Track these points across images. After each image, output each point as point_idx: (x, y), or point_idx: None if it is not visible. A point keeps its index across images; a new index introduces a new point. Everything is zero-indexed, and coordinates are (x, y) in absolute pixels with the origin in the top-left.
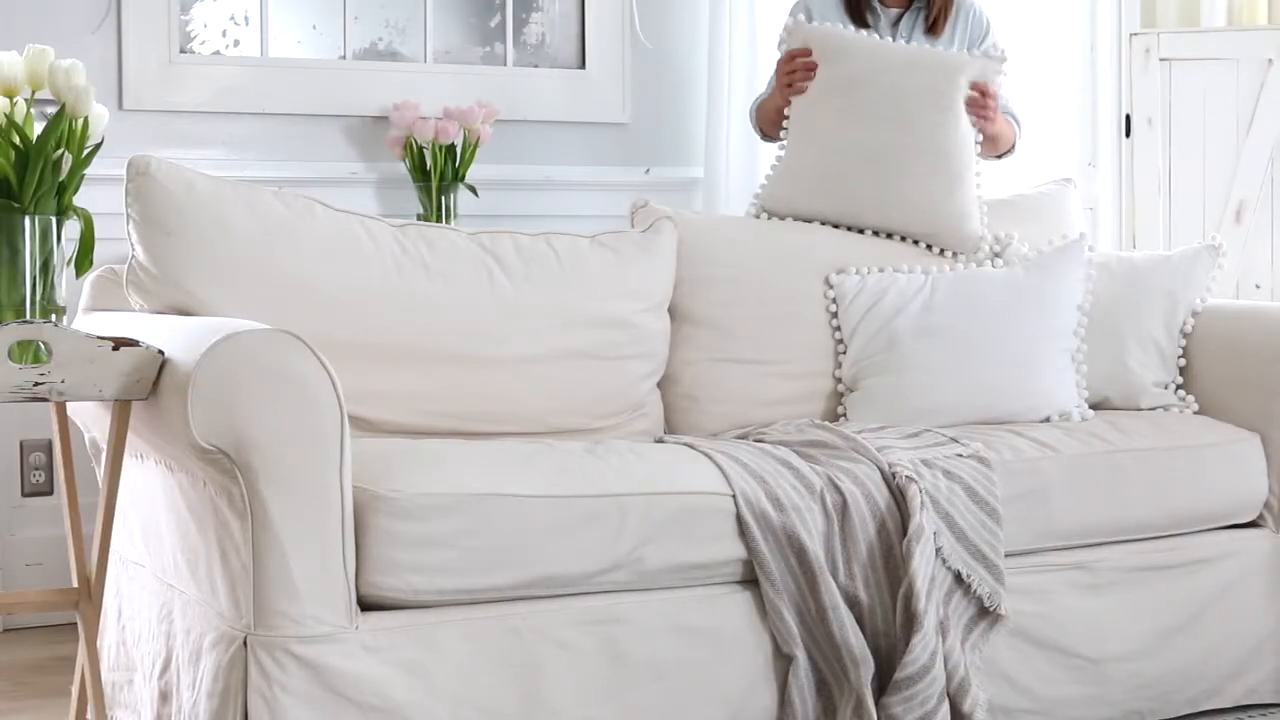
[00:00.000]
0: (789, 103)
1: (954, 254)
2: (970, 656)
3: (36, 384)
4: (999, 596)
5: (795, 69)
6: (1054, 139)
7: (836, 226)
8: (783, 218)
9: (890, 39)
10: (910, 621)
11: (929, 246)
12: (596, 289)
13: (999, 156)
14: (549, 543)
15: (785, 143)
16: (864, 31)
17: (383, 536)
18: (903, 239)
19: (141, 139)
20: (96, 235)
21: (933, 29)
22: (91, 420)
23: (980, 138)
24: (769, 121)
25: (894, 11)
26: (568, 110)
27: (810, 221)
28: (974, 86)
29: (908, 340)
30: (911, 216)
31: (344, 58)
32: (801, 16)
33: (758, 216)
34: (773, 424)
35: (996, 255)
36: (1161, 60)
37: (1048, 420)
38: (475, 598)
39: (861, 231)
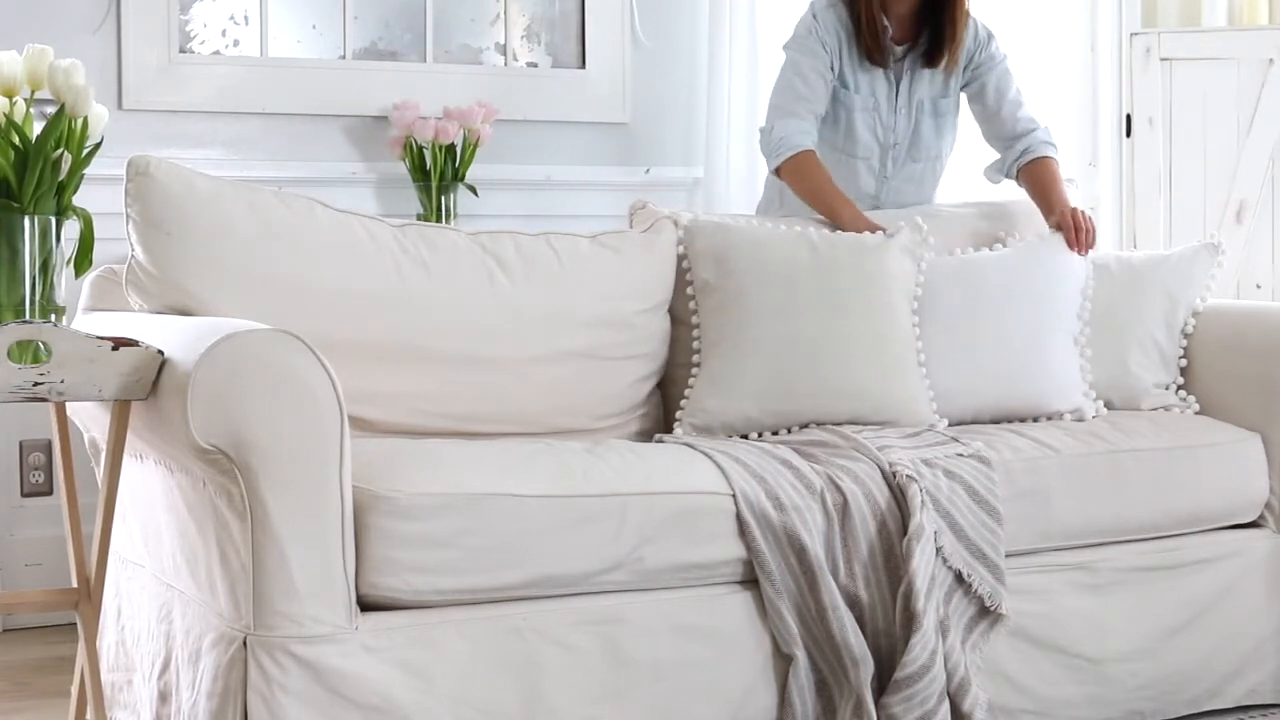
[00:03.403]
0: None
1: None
2: (970, 656)
3: (36, 384)
4: (1000, 596)
5: None
6: (1054, 139)
7: (775, 433)
8: (714, 435)
9: (893, 77)
10: (910, 621)
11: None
12: (596, 289)
13: None
14: (549, 543)
15: (699, 348)
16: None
17: (383, 536)
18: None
19: (141, 139)
20: (96, 235)
21: (931, 61)
22: (91, 420)
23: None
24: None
25: (900, 49)
26: (568, 110)
27: (746, 435)
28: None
29: None
30: (859, 406)
31: (344, 58)
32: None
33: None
34: None
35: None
36: (1162, 60)
37: (1057, 413)
38: (475, 598)
39: (805, 427)
